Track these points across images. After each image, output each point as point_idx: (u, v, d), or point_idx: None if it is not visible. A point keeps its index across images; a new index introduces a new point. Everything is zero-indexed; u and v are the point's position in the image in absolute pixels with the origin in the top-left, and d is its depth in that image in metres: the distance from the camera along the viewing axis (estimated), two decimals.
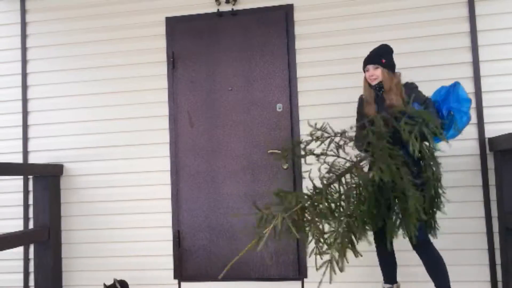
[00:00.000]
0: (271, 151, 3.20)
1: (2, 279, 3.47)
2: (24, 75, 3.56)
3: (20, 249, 3.42)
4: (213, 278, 3.20)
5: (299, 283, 3.12)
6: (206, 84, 3.35)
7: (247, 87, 3.30)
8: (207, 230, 3.26)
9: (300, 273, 3.11)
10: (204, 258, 3.24)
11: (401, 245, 3.03)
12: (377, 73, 2.47)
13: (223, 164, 3.28)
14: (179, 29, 3.39)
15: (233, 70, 3.32)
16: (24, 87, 3.56)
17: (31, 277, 3.41)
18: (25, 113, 3.54)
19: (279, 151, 3.02)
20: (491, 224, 2.94)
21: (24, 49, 3.58)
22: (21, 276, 3.44)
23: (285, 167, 3.19)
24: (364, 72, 2.54)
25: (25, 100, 3.55)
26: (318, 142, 2.36)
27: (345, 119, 3.14)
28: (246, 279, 3.17)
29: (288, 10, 3.27)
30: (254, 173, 3.24)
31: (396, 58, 3.12)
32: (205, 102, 3.34)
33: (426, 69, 3.09)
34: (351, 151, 2.41)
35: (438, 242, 2.97)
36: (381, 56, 2.51)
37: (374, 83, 2.48)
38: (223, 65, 3.34)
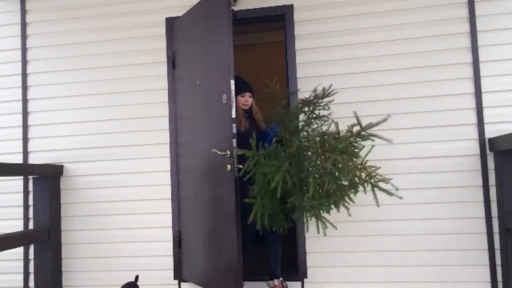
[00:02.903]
0: (213, 150, 2.69)
1: (2, 279, 3.47)
2: (24, 75, 3.57)
3: (20, 249, 3.42)
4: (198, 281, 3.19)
5: (299, 283, 3.12)
6: (189, 81, 3.17)
7: (208, 78, 2.95)
8: (191, 234, 3.14)
9: (300, 274, 3.10)
10: (195, 260, 3.21)
11: (405, 245, 3.03)
12: (250, 101, 3.07)
13: (196, 164, 3.04)
14: (178, 29, 3.38)
15: (201, 61, 3.05)
16: (24, 87, 3.56)
17: (31, 277, 3.41)
18: (25, 113, 3.54)
19: (219, 151, 2.65)
20: (491, 224, 2.94)
21: (24, 49, 3.58)
22: (21, 277, 3.44)
23: (228, 169, 2.64)
24: (238, 95, 2.96)
25: (25, 101, 3.55)
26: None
27: (343, 119, 3.16)
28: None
29: (288, 11, 3.27)
30: (209, 176, 2.87)
31: (395, 59, 3.14)
32: (187, 100, 3.20)
33: (426, 70, 3.09)
34: None
35: (439, 242, 2.99)
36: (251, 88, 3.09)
37: (246, 107, 3.07)
38: (197, 57, 3.11)
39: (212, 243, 2.86)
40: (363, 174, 2.30)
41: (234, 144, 2.62)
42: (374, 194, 2.36)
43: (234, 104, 2.64)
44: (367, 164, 2.35)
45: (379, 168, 2.46)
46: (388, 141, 2.45)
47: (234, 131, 2.62)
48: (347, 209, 2.46)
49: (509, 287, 2.81)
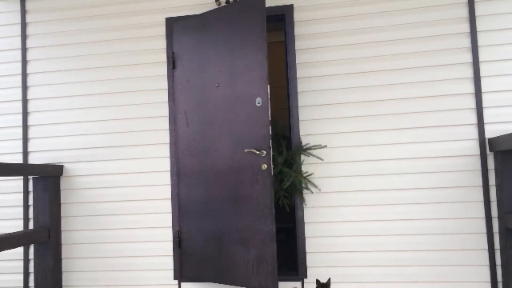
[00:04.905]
0: (247, 150, 2.92)
1: (2, 279, 3.47)
2: (24, 75, 3.57)
3: (20, 249, 3.42)
4: (210, 278, 3.20)
5: (299, 283, 3.12)
6: (199, 82, 3.22)
7: (231, 82, 3.06)
8: (199, 233, 3.17)
9: (300, 273, 3.10)
10: (200, 260, 3.22)
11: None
12: None
13: (212, 164, 3.13)
14: (178, 29, 3.39)
15: (219, 65, 3.14)
16: (24, 87, 3.56)
17: (31, 277, 3.41)
18: (25, 113, 3.54)
19: (256, 151, 2.88)
20: (491, 224, 2.94)
21: (24, 49, 3.59)
22: (21, 277, 3.44)
23: (264, 167, 2.86)
24: None
25: (25, 101, 3.55)
26: None
27: (344, 119, 3.16)
28: (234, 283, 3.16)
29: (288, 11, 3.27)
30: (237, 175, 3.00)
31: (395, 59, 3.14)
32: (198, 101, 3.22)
33: (426, 70, 3.09)
34: None
35: (439, 242, 2.99)
36: None
37: None
38: (212, 60, 3.17)
39: (235, 239, 2.98)
40: (301, 179, 3.12)
41: (270, 145, 2.83)
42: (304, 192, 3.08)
43: (269, 108, 2.87)
44: (304, 172, 3.18)
45: (312, 174, 3.17)
46: (319, 159, 3.16)
47: (270, 132, 2.84)
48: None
49: (509, 287, 2.81)
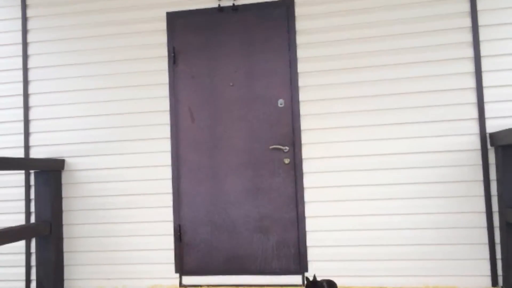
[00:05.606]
0: (273, 146, 3.21)
1: (4, 272, 3.49)
2: (25, 70, 3.57)
3: (22, 243, 3.44)
4: (214, 271, 3.22)
5: (299, 276, 3.14)
6: (207, 80, 3.36)
7: (248, 82, 3.31)
8: (208, 225, 3.28)
9: (301, 267, 3.12)
10: (205, 252, 3.26)
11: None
12: None
13: (224, 159, 3.30)
14: (180, 24, 3.39)
15: (234, 65, 3.33)
16: (25, 82, 3.56)
17: (33, 270, 3.43)
18: (26, 108, 3.55)
19: (281, 146, 3.18)
20: (492, 218, 2.94)
21: (25, 44, 3.58)
22: (23, 270, 3.46)
23: (286, 162, 3.20)
24: None
25: (26, 95, 3.56)
26: None
27: (348, 113, 3.16)
28: (247, 272, 3.19)
29: (289, 5, 3.27)
30: (256, 168, 3.25)
31: (397, 54, 3.14)
32: (206, 98, 3.35)
33: (428, 65, 3.09)
34: None
35: (440, 236, 3.00)
36: None
37: None
38: (224, 61, 3.35)
39: (252, 228, 3.23)
40: None
41: (292, 142, 3.19)
42: None
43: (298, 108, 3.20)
44: None
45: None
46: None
47: (292, 130, 3.21)
48: None
49: (509, 281, 2.82)
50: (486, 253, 2.95)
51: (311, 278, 2.62)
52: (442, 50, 3.09)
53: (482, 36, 3.05)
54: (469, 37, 3.07)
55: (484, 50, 3.04)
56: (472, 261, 2.96)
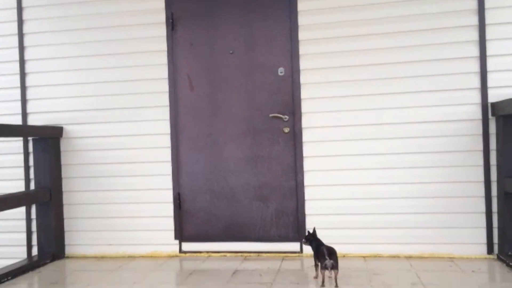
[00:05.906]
0: (273, 115, 3.18)
1: (6, 238, 3.53)
2: (21, 35, 3.50)
3: (23, 209, 3.46)
4: (213, 238, 3.26)
5: (298, 244, 3.18)
6: (206, 47, 3.30)
7: (248, 50, 3.25)
8: (207, 193, 3.29)
9: (299, 234, 3.15)
10: (204, 220, 3.29)
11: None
12: None
13: (223, 127, 3.28)
14: None
15: (234, 33, 3.26)
16: (21, 48, 3.50)
17: (34, 236, 3.46)
18: (22, 74, 3.50)
19: (281, 115, 3.15)
20: (490, 188, 2.95)
21: (20, 8, 3.49)
22: (24, 235, 3.50)
23: (286, 131, 3.19)
24: None
25: (22, 61, 3.50)
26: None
27: (348, 82, 3.12)
28: (246, 239, 3.23)
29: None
30: (255, 137, 3.24)
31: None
32: (205, 65, 3.30)
33: (431, 33, 3.03)
34: None
35: (438, 205, 3.02)
36: None
37: None
38: (223, 28, 3.27)
39: (252, 196, 3.25)
40: None
41: (292, 111, 3.16)
42: None
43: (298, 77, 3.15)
44: None
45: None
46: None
47: (292, 99, 3.17)
48: None
49: (504, 249, 2.86)
50: (482, 222, 2.98)
51: (311, 231, 2.67)
52: (445, 18, 3.02)
53: (487, 3, 2.97)
54: (474, 4, 2.99)
55: (489, 17, 2.97)
56: (468, 230, 2.99)
